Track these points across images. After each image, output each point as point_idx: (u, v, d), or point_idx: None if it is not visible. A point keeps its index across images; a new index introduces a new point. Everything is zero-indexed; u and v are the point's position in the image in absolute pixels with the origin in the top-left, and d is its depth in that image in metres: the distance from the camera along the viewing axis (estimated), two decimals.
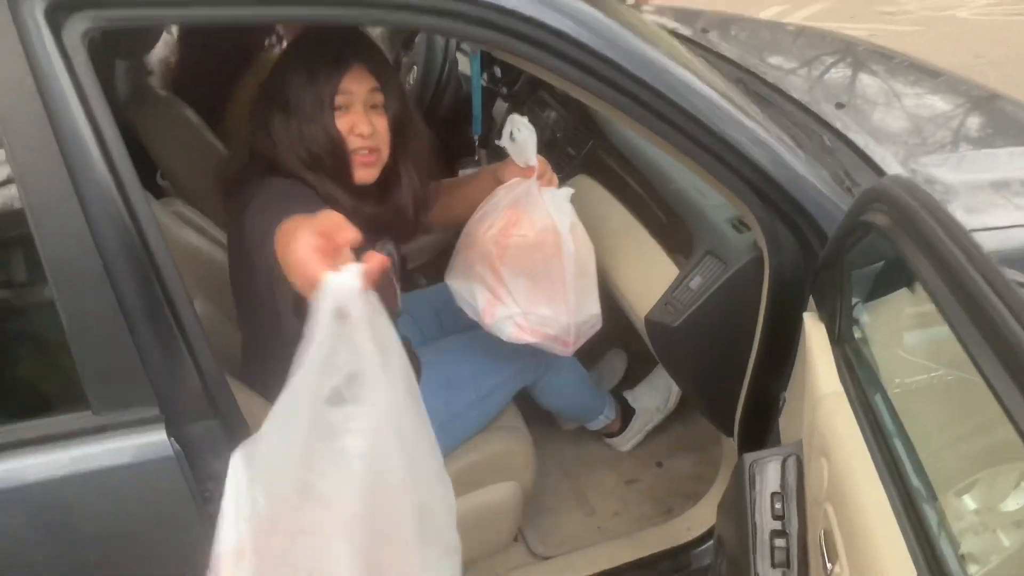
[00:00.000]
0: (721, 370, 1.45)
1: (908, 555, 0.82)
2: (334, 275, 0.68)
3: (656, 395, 1.94)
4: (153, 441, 0.96)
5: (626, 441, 1.94)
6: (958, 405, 1.20)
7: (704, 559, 1.66)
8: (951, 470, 1.02)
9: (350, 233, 0.72)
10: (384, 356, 0.73)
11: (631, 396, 1.94)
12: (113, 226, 0.90)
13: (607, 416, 1.88)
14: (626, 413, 1.92)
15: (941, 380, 1.20)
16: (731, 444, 1.61)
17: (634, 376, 2.06)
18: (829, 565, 0.92)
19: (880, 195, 0.79)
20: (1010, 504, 1.03)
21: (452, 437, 1.47)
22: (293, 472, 0.77)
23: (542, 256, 1.33)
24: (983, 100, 2.02)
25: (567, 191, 1.38)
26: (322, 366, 0.71)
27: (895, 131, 1.83)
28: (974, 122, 1.99)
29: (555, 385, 1.70)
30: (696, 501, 1.78)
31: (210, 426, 1.01)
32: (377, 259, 0.70)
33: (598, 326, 1.43)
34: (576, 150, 1.83)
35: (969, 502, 1.04)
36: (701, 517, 1.70)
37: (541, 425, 1.79)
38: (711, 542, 1.67)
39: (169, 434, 0.96)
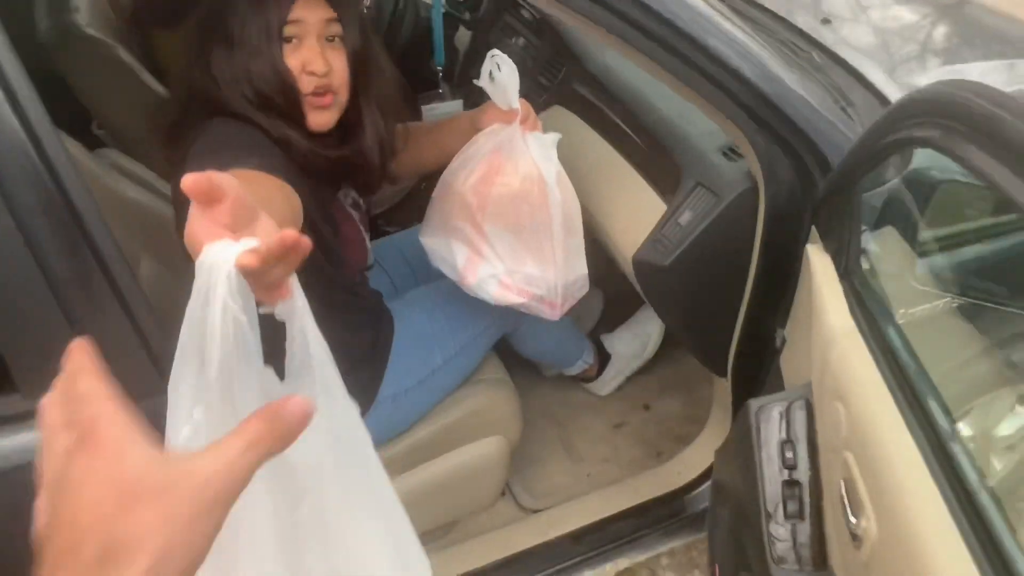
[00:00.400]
0: (714, 309, 1.37)
1: (945, 507, 0.75)
2: (212, 246, 0.49)
3: (634, 341, 1.86)
4: None
5: (603, 386, 1.87)
6: (957, 333, 1.14)
7: (698, 503, 1.61)
8: (950, 398, 0.96)
9: (232, 189, 0.49)
10: (233, 370, 0.52)
11: (608, 341, 1.86)
12: (23, 178, 0.77)
13: (585, 361, 1.80)
14: (603, 358, 1.84)
15: (942, 308, 1.14)
16: (721, 384, 1.54)
17: (611, 316, 1.97)
18: (854, 519, 0.85)
19: (934, 105, 0.69)
20: (1003, 429, 0.98)
21: (431, 393, 1.37)
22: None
23: (527, 208, 1.20)
24: (951, 8, 1.93)
25: (553, 136, 1.25)
26: (191, 352, 0.53)
27: (865, 45, 1.74)
28: (942, 31, 1.92)
29: (535, 331, 1.61)
30: (686, 443, 1.72)
31: (160, 402, 0.90)
32: (281, 237, 0.48)
33: (586, 288, 1.32)
34: (549, 79, 1.70)
35: (964, 428, 0.98)
36: (693, 460, 1.64)
37: (522, 372, 1.70)
38: (705, 486, 1.61)
39: None
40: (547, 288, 1.27)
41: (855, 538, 0.85)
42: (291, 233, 0.48)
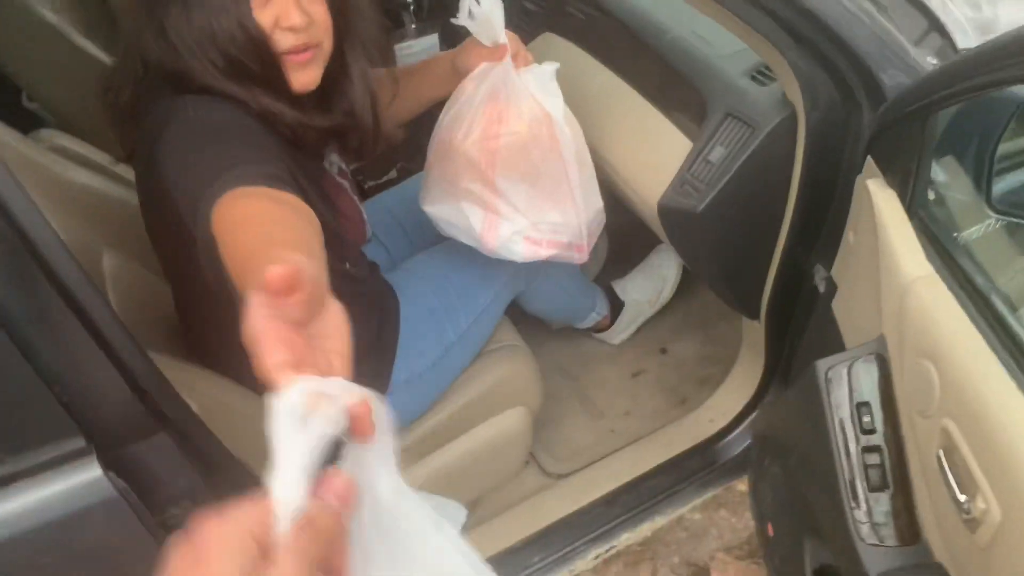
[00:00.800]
0: (749, 251, 1.26)
1: None
2: (291, 388, 0.36)
3: (648, 287, 1.73)
4: (84, 482, 0.71)
5: (616, 335, 1.76)
6: (1004, 253, 1.04)
7: (731, 450, 1.53)
8: None
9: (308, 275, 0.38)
10: None
11: (620, 287, 1.73)
12: None
13: (599, 313, 1.68)
14: (614, 306, 1.73)
15: (994, 229, 1.03)
16: (749, 324, 1.44)
17: (619, 259, 1.85)
18: (963, 497, 0.76)
19: None
20: None
21: (447, 372, 1.25)
22: None
23: (539, 152, 1.08)
24: None
25: (551, 66, 1.11)
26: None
27: None
28: None
29: (546, 288, 1.48)
30: (708, 385, 1.64)
31: (157, 442, 0.77)
32: (364, 402, 0.38)
33: (604, 220, 1.20)
34: (537, 4, 1.52)
35: None
36: (723, 406, 1.55)
37: (527, 328, 1.56)
38: (737, 431, 1.53)
39: (105, 467, 0.72)
40: (572, 232, 1.16)
41: (968, 517, 0.76)
42: (367, 403, 0.38)
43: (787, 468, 1.14)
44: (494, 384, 1.30)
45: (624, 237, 1.83)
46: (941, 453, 0.81)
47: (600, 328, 1.73)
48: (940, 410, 0.82)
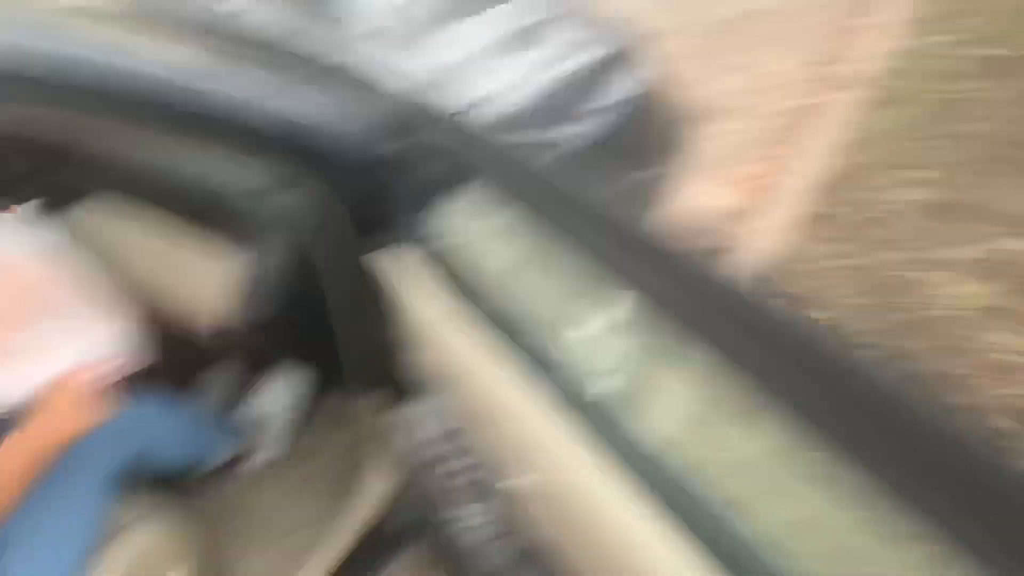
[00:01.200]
0: (327, 340, 1.35)
1: (590, 457, 0.81)
2: None
3: (279, 396, 1.75)
4: None
5: (266, 453, 1.74)
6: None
7: (406, 513, 1.61)
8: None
9: None
10: None
11: (252, 406, 1.73)
12: None
13: (237, 440, 1.66)
14: (251, 427, 1.72)
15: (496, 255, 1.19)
16: (368, 398, 1.54)
17: (242, 380, 1.85)
18: (510, 482, 0.90)
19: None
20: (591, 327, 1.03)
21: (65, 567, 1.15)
22: None
23: (35, 295, 1.10)
24: None
25: (19, 211, 1.17)
26: None
27: None
28: None
29: (162, 441, 1.42)
30: (367, 468, 1.70)
31: None
32: None
33: (135, 328, 1.21)
34: (53, 176, 1.49)
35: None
36: (375, 484, 1.62)
37: (165, 487, 1.48)
38: (402, 503, 1.61)
39: None
40: (108, 348, 1.16)
41: (519, 494, 0.90)
42: None
43: (432, 521, 1.23)
44: (131, 565, 1.23)
45: (241, 362, 1.83)
46: (490, 455, 0.95)
47: (245, 455, 1.70)
48: (478, 421, 0.96)
